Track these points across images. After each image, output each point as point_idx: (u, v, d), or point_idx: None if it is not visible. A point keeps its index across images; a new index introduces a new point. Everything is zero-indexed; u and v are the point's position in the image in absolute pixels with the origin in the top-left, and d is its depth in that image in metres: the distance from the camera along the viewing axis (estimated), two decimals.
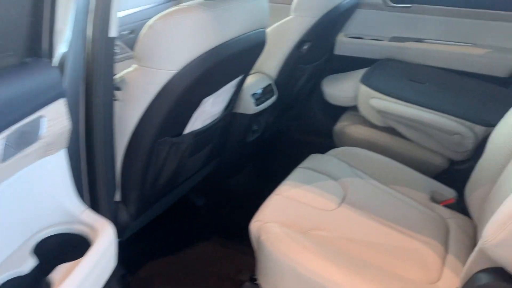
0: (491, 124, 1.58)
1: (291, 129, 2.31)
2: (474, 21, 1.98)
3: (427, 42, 2.08)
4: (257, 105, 1.69)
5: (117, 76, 1.11)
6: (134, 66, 1.10)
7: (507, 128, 1.20)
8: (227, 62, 1.19)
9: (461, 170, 1.68)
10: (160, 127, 1.17)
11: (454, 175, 1.69)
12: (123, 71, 1.12)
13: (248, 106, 1.66)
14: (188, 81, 1.10)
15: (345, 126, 1.89)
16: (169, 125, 1.20)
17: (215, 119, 1.42)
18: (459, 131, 1.59)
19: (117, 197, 1.27)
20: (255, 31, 1.29)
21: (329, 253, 1.05)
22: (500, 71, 1.98)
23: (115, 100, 1.09)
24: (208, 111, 1.33)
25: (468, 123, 1.60)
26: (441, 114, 1.63)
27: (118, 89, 1.10)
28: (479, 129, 1.59)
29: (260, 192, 1.96)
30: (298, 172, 1.38)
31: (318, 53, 1.98)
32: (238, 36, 1.23)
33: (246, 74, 1.47)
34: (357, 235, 1.15)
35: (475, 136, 1.60)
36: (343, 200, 1.27)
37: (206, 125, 1.37)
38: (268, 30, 1.58)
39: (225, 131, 1.60)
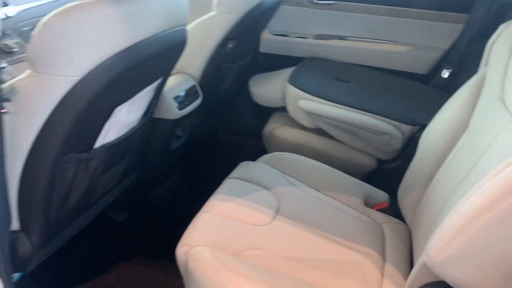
0: (417, 123, 1.59)
1: (219, 131, 2.19)
2: (396, 19, 1.99)
3: (351, 40, 2.07)
4: (181, 109, 1.55)
5: (5, 85, 0.91)
6: (27, 72, 0.91)
7: (439, 128, 1.18)
8: (142, 64, 1.04)
9: (390, 169, 1.67)
10: (64, 142, 0.99)
11: (383, 175, 1.68)
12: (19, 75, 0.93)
13: (171, 111, 1.51)
14: (95, 89, 0.93)
15: (274, 128, 1.81)
16: (75, 139, 1.03)
17: (132, 128, 1.26)
18: (387, 131, 1.58)
19: (15, 225, 1.07)
20: (174, 29, 1.15)
21: (264, 276, 0.95)
22: (420, 68, 2.02)
23: (4, 113, 0.90)
24: (122, 120, 1.17)
25: (395, 123, 1.60)
26: (369, 114, 1.61)
27: (7, 100, 0.91)
28: (406, 128, 1.59)
29: (187, 203, 1.83)
30: (228, 184, 1.27)
31: (243, 51, 1.88)
32: (154, 35, 1.08)
33: (166, 76, 1.32)
34: (294, 251, 1.06)
35: (403, 136, 1.60)
36: (277, 211, 1.19)
37: (121, 136, 1.21)
38: (188, 27, 1.45)
39: (145, 139, 1.45)
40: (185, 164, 1.91)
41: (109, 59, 0.93)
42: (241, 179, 1.29)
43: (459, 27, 1.92)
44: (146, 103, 1.28)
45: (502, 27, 1.14)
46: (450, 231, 0.74)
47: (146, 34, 1.04)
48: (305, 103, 1.66)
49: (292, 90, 1.70)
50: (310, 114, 1.67)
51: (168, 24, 1.12)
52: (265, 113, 1.97)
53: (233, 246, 1.04)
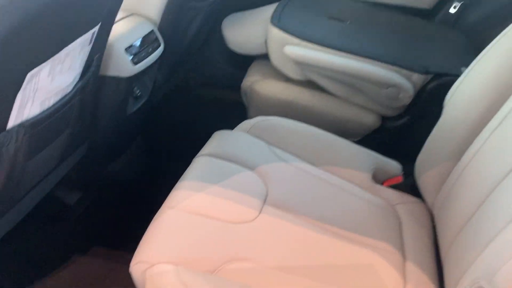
0: (430, 71, 1.30)
1: (190, 83, 1.86)
2: None
3: None
4: (136, 62, 1.21)
5: None
6: None
7: (476, 86, 0.89)
8: (56, 9, 0.70)
9: (396, 127, 1.40)
10: None
11: (388, 135, 1.41)
12: None
13: (123, 66, 1.17)
14: None
15: (254, 82, 1.49)
16: None
17: (65, 96, 0.93)
18: (395, 82, 1.28)
19: None
20: None
21: None
22: (423, 2, 1.70)
23: None
24: (46, 87, 0.84)
25: (405, 72, 1.30)
26: (373, 62, 1.30)
27: None
28: (418, 78, 1.30)
29: (153, 177, 1.54)
30: (199, 164, 0.97)
31: None
32: None
33: (108, 21, 0.98)
34: (289, 259, 0.80)
35: (413, 87, 1.30)
36: (265, 200, 0.91)
37: (49, 108, 0.89)
38: None
39: (89, 106, 1.12)
40: (148, 130, 1.59)
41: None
42: (216, 157, 0.99)
43: None
44: (81, 60, 0.94)
45: None
46: None
47: None
48: (293, 50, 1.33)
49: (276, 33, 1.37)
50: (299, 63, 1.35)
51: None
52: (244, 61, 1.63)
53: (207, 259, 0.76)
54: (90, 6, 0.86)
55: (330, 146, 1.11)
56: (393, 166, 1.11)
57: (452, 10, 1.67)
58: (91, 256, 1.25)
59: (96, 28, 0.91)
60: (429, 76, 1.30)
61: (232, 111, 1.66)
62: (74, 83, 0.95)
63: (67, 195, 1.38)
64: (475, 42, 1.53)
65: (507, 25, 1.52)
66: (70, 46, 0.83)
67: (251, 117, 1.53)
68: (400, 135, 1.38)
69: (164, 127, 1.71)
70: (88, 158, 1.29)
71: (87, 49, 0.93)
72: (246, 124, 1.13)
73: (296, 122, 1.15)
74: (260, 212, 0.87)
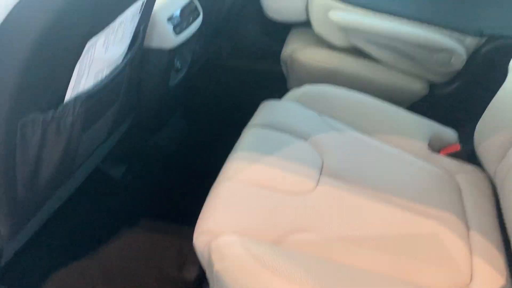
0: (484, 33, 1.23)
1: (223, 55, 1.82)
2: None
3: None
4: (178, 33, 1.19)
5: None
6: None
7: None
8: None
9: (447, 94, 1.34)
10: (15, 97, 0.67)
11: (438, 102, 1.36)
12: None
13: (165, 37, 1.15)
14: (52, 9, 0.59)
15: (295, 49, 1.45)
16: (33, 91, 0.70)
17: (116, 68, 0.92)
18: (447, 46, 1.22)
19: None
20: None
21: (323, 276, 0.68)
22: None
23: None
24: (101, 58, 0.83)
25: (457, 35, 1.23)
26: (423, 25, 1.24)
27: None
28: (471, 41, 1.24)
29: (197, 148, 1.52)
30: (250, 135, 0.95)
31: None
32: None
33: None
34: (352, 229, 0.78)
35: (466, 51, 1.24)
36: (321, 170, 0.89)
37: (103, 80, 0.88)
38: None
39: (135, 79, 1.10)
40: (189, 101, 1.57)
41: None
42: (268, 127, 0.97)
43: None
44: (130, 31, 0.92)
45: None
46: None
47: None
48: (339, 15, 1.28)
49: None
50: (345, 29, 1.30)
51: None
52: (282, 30, 1.58)
53: (271, 230, 0.75)
54: None
55: (383, 114, 1.07)
56: (449, 134, 1.07)
57: None
58: (139, 228, 1.26)
59: None
60: (484, 39, 1.24)
61: (270, 81, 1.63)
62: (124, 54, 0.93)
63: (113, 168, 1.38)
64: None
65: None
66: (123, 14, 0.81)
67: (291, 87, 1.51)
68: (450, 103, 1.33)
69: (203, 99, 1.70)
70: (132, 130, 1.29)
71: (137, 18, 0.91)
72: (295, 92, 1.10)
73: (345, 90, 1.11)
74: (318, 184, 0.85)
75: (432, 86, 1.35)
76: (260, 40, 1.70)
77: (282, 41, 1.57)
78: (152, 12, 1.08)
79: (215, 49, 1.79)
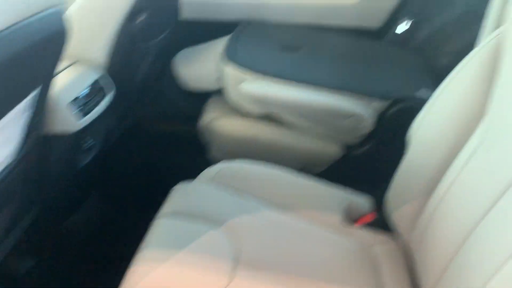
0: (389, 96, 1.29)
1: (142, 124, 1.77)
2: None
3: None
4: (84, 114, 1.13)
5: None
6: None
7: (441, 116, 0.88)
8: None
9: (360, 155, 1.38)
10: None
11: (352, 163, 1.39)
12: None
13: (68, 121, 1.08)
14: None
15: (212, 119, 1.43)
16: None
17: (5, 168, 0.84)
18: (355, 111, 1.26)
19: None
20: (40, 14, 0.73)
21: None
22: (372, 21, 1.72)
23: None
24: None
25: (363, 99, 1.28)
26: (331, 91, 1.28)
27: None
28: (377, 104, 1.29)
29: (114, 229, 1.43)
30: (159, 228, 0.90)
31: (161, 22, 1.45)
32: (8, 28, 0.66)
33: (47, 82, 0.90)
34: None
35: (374, 115, 1.29)
36: (237, 261, 0.85)
37: None
38: (74, 6, 1.03)
39: (35, 169, 1.02)
40: (105, 179, 1.49)
41: None
42: (179, 216, 0.92)
43: None
44: (20, 128, 0.85)
45: None
46: None
47: None
48: (251, 87, 1.29)
49: (230, 70, 1.32)
50: (258, 99, 1.31)
51: (24, 11, 0.69)
52: (200, 97, 1.57)
53: None
54: (33, 70, 0.78)
55: (299, 188, 1.07)
56: (364, 202, 1.08)
57: (400, 29, 1.69)
58: None
59: (36, 91, 0.82)
60: (389, 102, 1.29)
61: (191, 148, 1.59)
62: (14, 153, 0.86)
63: (20, 262, 1.26)
64: (427, 60, 1.55)
65: (456, 42, 1.57)
66: (8, 115, 0.75)
67: (212, 155, 1.48)
68: (365, 163, 1.36)
69: (121, 175, 1.62)
70: (40, 220, 1.19)
71: (27, 114, 0.85)
72: (209, 172, 1.07)
73: (261, 164, 1.10)
74: (232, 279, 0.81)
75: (347, 148, 1.38)
76: (180, 109, 1.68)
77: (201, 108, 1.55)
78: (52, 96, 1.02)
79: (135, 119, 1.74)
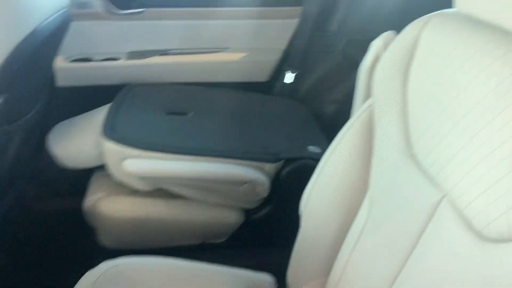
0: (281, 157, 1.27)
1: (27, 197, 1.56)
2: (224, 22, 1.64)
3: (176, 55, 1.65)
4: None
5: None
6: None
7: (326, 192, 0.85)
8: None
9: (261, 218, 1.33)
10: None
11: (254, 227, 1.34)
12: None
13: None
14: None
15: (97, 200, 1.30)
16: None
17: None
18: (249, 179, 1.22)
19: None
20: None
21: None
22: (260, 75, 1.74)
23: None
24: None
25: (255, 164, 1.24)
26: (222, 160, 1.22)
27: None
28: (270, 167, 1.26)
29: None
30: None
31: (29, 97, 1.30)
32: None
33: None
34: None
35: (269, 178, 1.26)
36: None
37: None
38: None
39: None
40: None
41: None
42: None
43: (295, 22, 1.66)
44: None
45: (375, 43, 0.84)
46: None
47: None
48: (135, 165, 1.19)
49: (111, 147, 1.21)
50: (144, 177, 1.21)
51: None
52: (83, 173, 1.43)
53: None
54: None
55: (195, 277, 0.98)
56: (265, 281, 1.02)
57: (288, 79, 1.72)
58: None
59: None
60: (281, 163, 1.27)
61: (78, 230, 1.43)
62: None
63: None
64: (314, 110, 1.58)
65: (336, 90, 1.62)
66: None
67: (100, 239, 1.34)
68: (267, 225, 1.32)
69: (9, 258, 1.40)
70: None
71: None
72: (90, 276, 0.94)
73: (150, 258, 0.99)
74: None
75: (247, 213, 1.32)
76: (62, 185, 1.51)
77: (85, 185, 1.41)
78: None
79: (21, 190, 1.53)
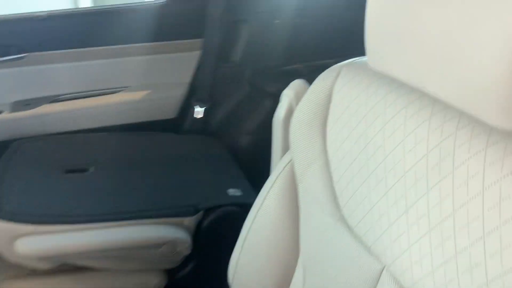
0: (199, 208, 1.17)
1: None
2: (121, 60, 1.51)
3: (69, 100, 1.48)
4: None
5: None
6: None
7: (257, 260, 0.77)
8: None
9: (186, 276, 1.22)
10: None
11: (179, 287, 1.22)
12: None
13: None
14: None
15: None
16: None
17: None
18: (168, 239, 1.10)
19: None
20: None
21: None
22: (168, 112, 1.63)
23: None
24: None
25: (173, 220, 1.13)
26: (133, 223, 1.09)
27: None
28: (190, 221, 1.15)
29: None
30: None
31: None
32: None
33: None
34: None
35: (189, 233, 1.15)
36: None
37: None
38: None
39: None
40: None
41: None
42: None
43: (197, 54, 1.58)
44: None
45: (286, 93, 0.79)
46: None
47: None
48: (30, 243, 1.01)
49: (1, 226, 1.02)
50: (43, 257, 1.04)
51: None
52: None
53: None
54: None
55: None
56: None
57: (198, 114, 1.63)
58: None
59: None
60: (201, 213, 1.17)
61: None
62: None
63: None
64: (226, 143, 1.50)
65: (248, 121, 1.56)
66: None
67: None
68: (193, 283, 1.21)
69: None
70: None
71: None
72: None
73: None
74: None
75: (170, 272, 1.20)
76: None
77: None
78: None
79: None
